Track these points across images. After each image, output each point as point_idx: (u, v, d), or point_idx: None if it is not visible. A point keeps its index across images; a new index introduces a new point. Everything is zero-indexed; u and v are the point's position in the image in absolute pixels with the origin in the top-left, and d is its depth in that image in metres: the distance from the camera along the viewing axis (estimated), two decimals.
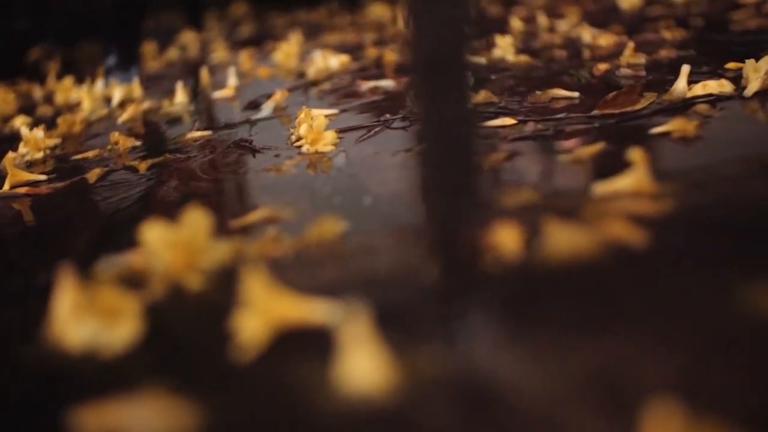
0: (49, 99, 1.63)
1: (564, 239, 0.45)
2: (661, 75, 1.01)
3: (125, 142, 0.99)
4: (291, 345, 0.36)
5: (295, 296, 0.38)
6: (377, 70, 1.38)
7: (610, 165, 0.59)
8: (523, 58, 1.27)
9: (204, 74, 1.46)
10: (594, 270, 0.41)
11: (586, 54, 1.31)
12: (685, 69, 0.88)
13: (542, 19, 1.68)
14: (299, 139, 0.84)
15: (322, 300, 0.38)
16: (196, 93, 1.36)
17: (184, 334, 0.42)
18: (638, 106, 0.85)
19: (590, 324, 0.35)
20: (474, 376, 0.32)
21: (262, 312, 0.38)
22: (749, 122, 0.75)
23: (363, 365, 0.33)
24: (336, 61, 1.42)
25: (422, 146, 0.35)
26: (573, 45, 1.39)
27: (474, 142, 0.34)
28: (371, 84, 1.19)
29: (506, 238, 0.45)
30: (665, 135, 0.72)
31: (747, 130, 0.72)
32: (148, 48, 2.14)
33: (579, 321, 0.36)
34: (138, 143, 1.01)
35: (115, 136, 1.00)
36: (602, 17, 1.68)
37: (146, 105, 1.29)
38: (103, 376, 0.38)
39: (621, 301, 0.37)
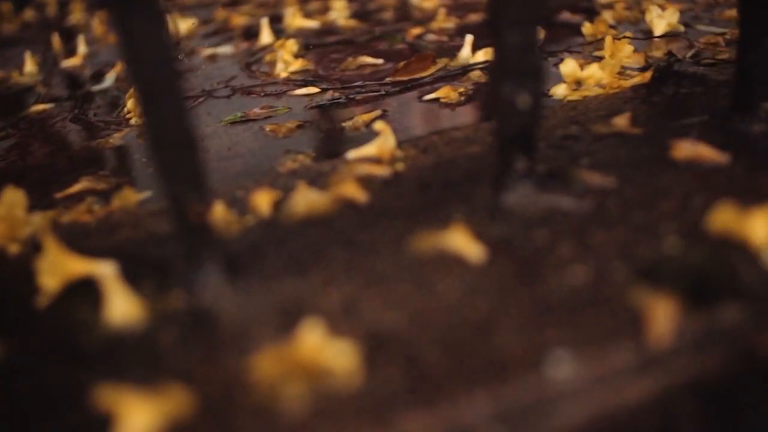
0: None
1: (305, 200, 0.58)
2: (462, 40, 1.14)
3: None
4: (75, 293, 0.48)
5: (81, 256, 0.50)
6: (223, 35, 1.46)
7: (375, 132, 0.73)
8: (353, 23, 1.38)
9: (55, 41, 1.51)
10: (317, 224, 0.55)
11: (418, 16, 1.43)
12: (469, 38, 1.02)
13: None
14: (129, 111, 0.94)
15: (101, 259, 0.50)
16: (46, 61, 1.41)
17: (0, 291, 0.53)
18: (427, 73, 0.98)
19: (293, 266, 0.49)
20: (200, 308, 0.45)
21: (55, 270, 0.50)
22: None
23: (122, 305, 0.46)
24: (184, 25, 1.50)
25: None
26: (403, 7, 1.52)
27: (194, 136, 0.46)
28: (209, 51, 1.29)
29: (261, 201, 0.58)
30: (435, 101, 0.86)
31: None
32: (4, 8, 2.13)
33: (287, 264, 0.49)
34: None
35: None
36: None
37: None
38: None
39: (323, 248, 0.51)
